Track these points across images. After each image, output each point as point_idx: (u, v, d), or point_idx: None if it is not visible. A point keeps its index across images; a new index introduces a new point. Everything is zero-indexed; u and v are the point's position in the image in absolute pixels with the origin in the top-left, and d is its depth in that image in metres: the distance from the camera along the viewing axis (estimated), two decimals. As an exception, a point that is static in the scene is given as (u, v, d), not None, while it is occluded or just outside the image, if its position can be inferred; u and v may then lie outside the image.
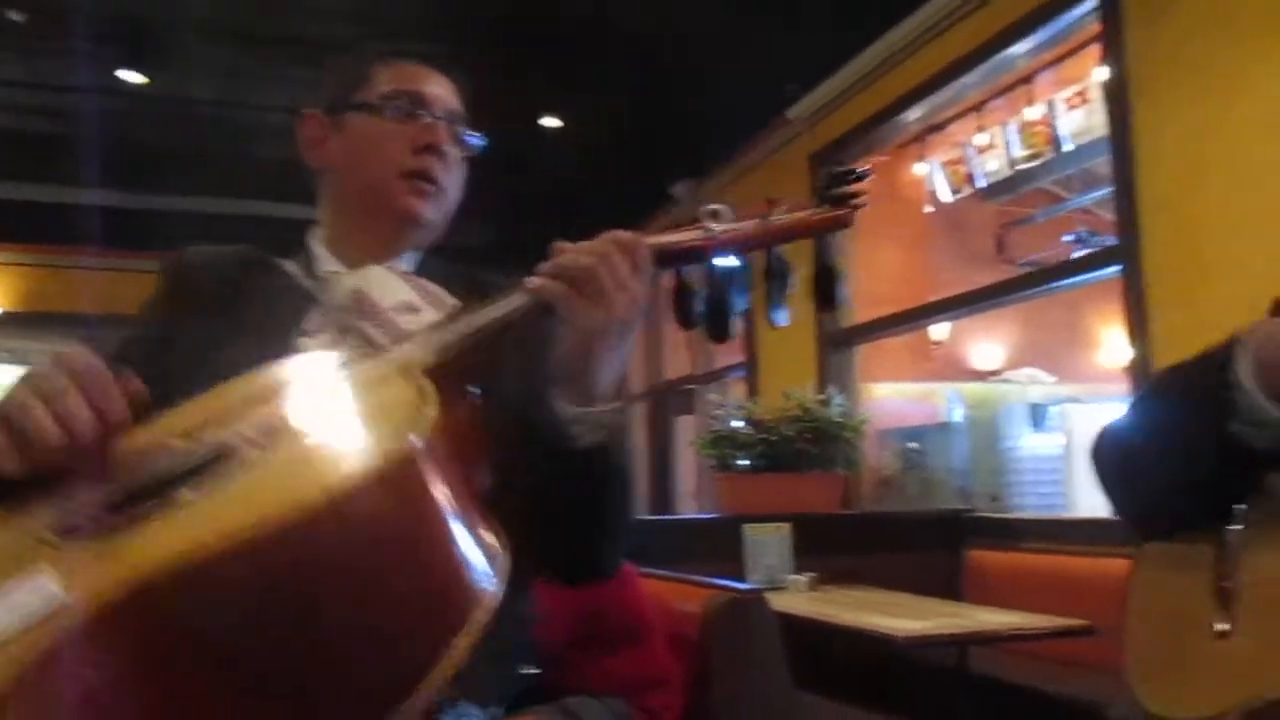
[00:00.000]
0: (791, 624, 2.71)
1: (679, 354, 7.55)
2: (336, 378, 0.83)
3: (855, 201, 0.94)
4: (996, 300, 4.66)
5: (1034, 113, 4.73)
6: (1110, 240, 3.94)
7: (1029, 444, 5.44)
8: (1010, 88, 4.77)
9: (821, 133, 5.24)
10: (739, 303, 0.93)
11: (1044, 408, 5.60)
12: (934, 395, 5.70)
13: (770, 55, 4.76)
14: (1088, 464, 1.06)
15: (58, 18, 4.38)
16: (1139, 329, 3.30)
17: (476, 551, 0.68)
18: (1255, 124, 2.96)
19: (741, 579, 3.47)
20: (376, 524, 0.62)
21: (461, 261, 1.22)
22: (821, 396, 4.33)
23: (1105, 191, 4.21)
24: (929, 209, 5.63)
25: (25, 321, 7.02)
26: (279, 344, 1.04)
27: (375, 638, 0.62)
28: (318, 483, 0.60)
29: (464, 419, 0.79)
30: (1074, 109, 4.52)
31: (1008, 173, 4.99)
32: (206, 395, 0.84)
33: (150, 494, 0.68)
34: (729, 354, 6.45)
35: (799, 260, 0.97)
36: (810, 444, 4.11)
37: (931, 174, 5.43)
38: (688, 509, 7.44)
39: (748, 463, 4.19)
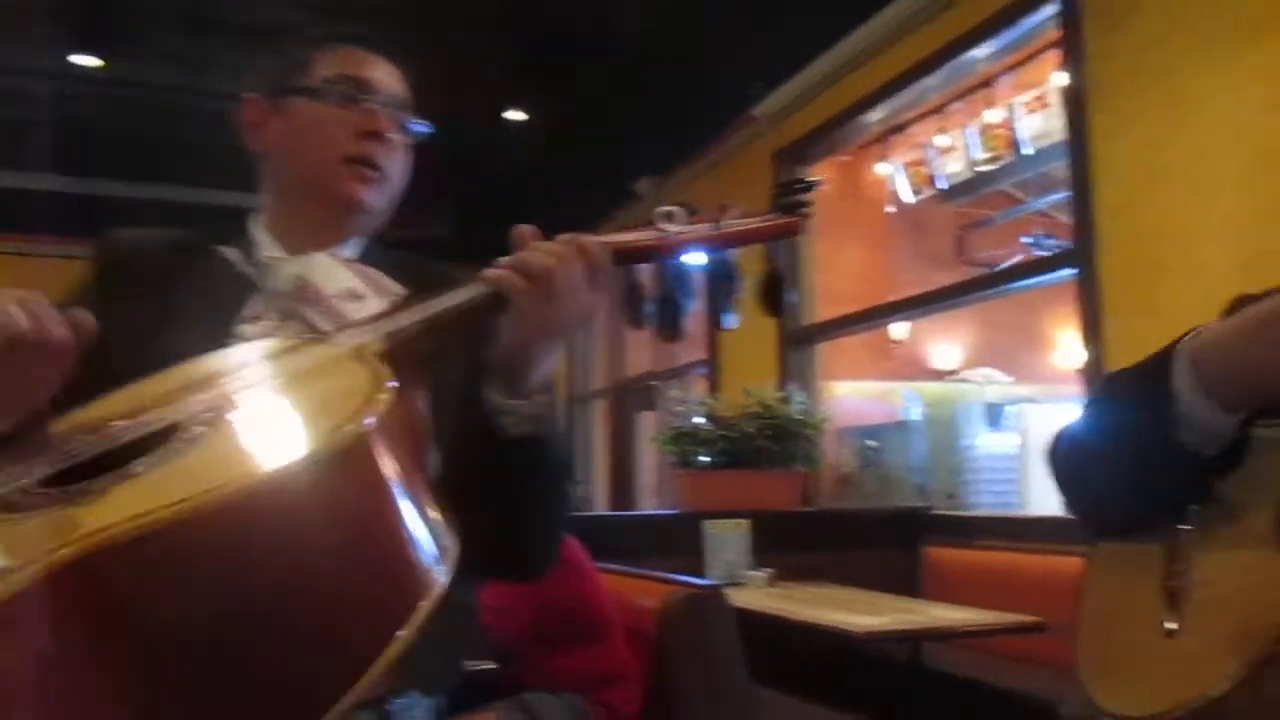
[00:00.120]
0: (750, 620, 2.72)
1: (641, 350, 7.56)
2: (286, 360, 0.82)
3: (805, 210, 0.96)
4: (955, 300, 4.72)
5: (994, 116, 4.78)
6: (1066, 244, 4.00)
7: (985, 443, 5.51)
8: (971, 91, 4.83)
9: (786, 131, 5.26)
10: (688, 303, 0.94)
11: (1000, 407, 5.67)
12: (893, 394, 5.75)
13: (735, 53, 4.77)
14: (1042, 463, 1.08)
15: (10, 0, 4.28)
16: (1093, 331, 3.36)
17: (427, 537, 0.68)
18: (1210, 131, 3.02)
19: (701, 575, 3.48)
20: (329, 502, 0.62)
21: (421, 252, 1.22)
22: (782, 394, 4.36)
23: (1063, 195, 4.28)
24: (890, 209, 5.68)
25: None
26: (219, 331, 1.03)
27: (323, 618, 0.61)
28: (270, 459, 0.60)
29: (414, 406, 0.79)
30: (1033, 113, 4.58)
31: (968, 175, 5.05)
32: (146, 381, 0.83)
33: (95, 469, 0.67)
34: (691, 351, 6.46)
35: (748, 265, 0.98)
36: (770, 441, 4.13)
37: (893, 174, 5.48)
38: (649, 505, 7.45)
39: (708, 459, 4.20)
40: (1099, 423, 1.03)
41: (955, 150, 5.06)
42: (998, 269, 5.16)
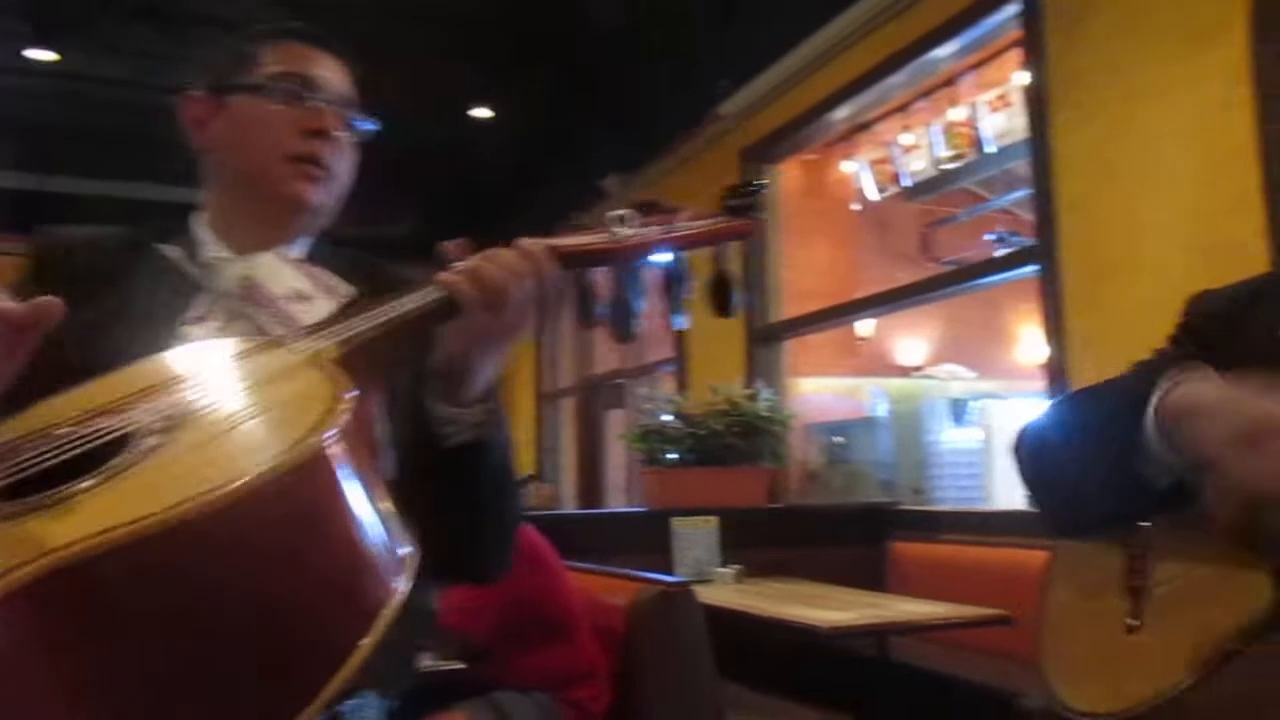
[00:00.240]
0: (718, 616, 2.74)
1: (609, 349, 7.55)
2: (240, 365, 0.80)
3: (754, 213, 0.97)
4: (920, 297, 4.76)
5: (957, 114, 4.83)
6: (1029, 241, 4.04)
7: (950, 438, 5.57)
8: (935, 89, 4.86)
9: (752, 129, 5.28)
10: (640, 305, 0.94)
11: (964, 403, 5.74)
12: (859, 390, 5.79)
13: (702, 51, 4.78)
14: (1006, 458, 1.09)
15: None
16: (1054, 327, 3.40)
17: (387, 546, 0.67)
18: (1166, 129, 3.07)
19: (670, 573, 3.49)
20: (291, 516, 0.61)
21: (380, 251, 1.20)
22: (749, 391, 4.37)
23: (1025, 193, 4.33)
24: (856, 207, 5.72)
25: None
26: (163, 332, 1.00)
27: (286, 631, 0.60)
28: (229, 474, 0.58)
29: (370, 413, 0.78)
30: (996, 112, 4.63)
31: (932, 173, 5.09)
32: (91, 385, 0.80)
33: (46, 480, 0.65)
34: (659, 349, 6.47)
35: (701, 266, 0.99)
36: (738, 438, 4.14)
37: (859, 172, 5.52)
38: (617, 503, 7.46)
39: (676, 457, 4.21)
40: (1069, 430, 1.04)
41: (919, 148, 5.10)
42: (961, 266, 5.21)
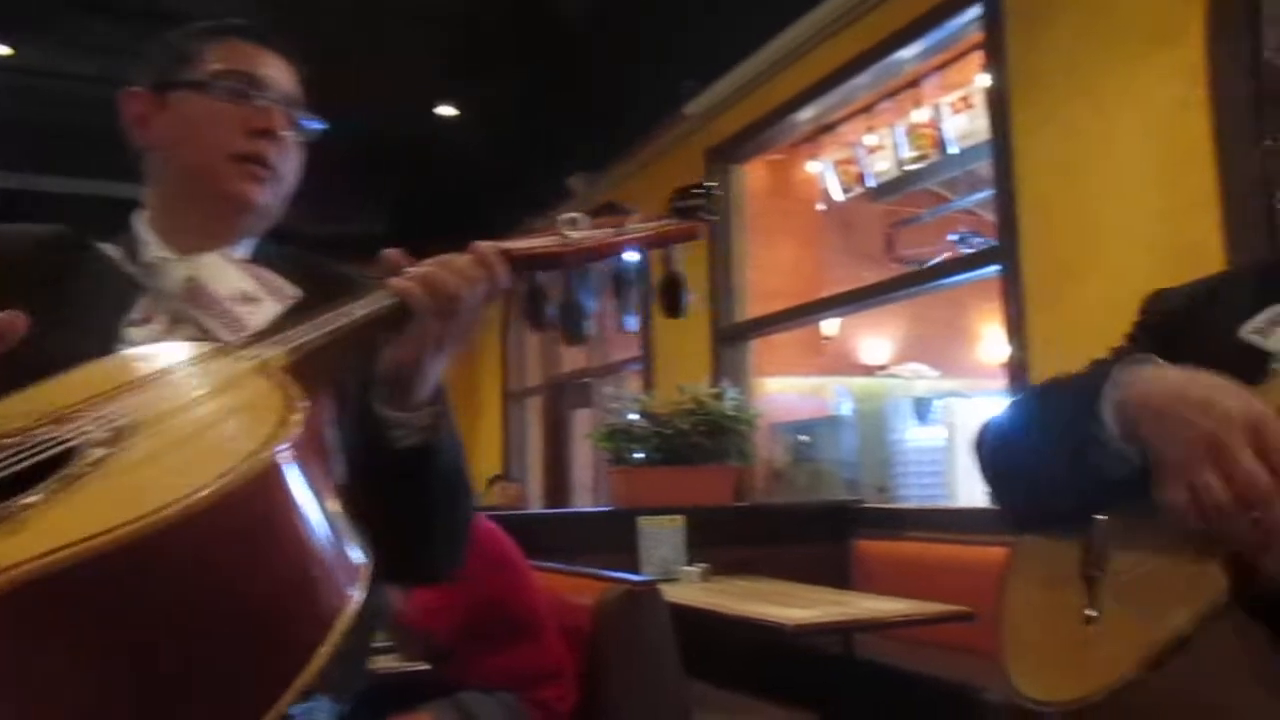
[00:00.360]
0: (684, 615, 2.74)
1: (576, 348, 7.54)
2: (185, 373, 0.77)
3: (703, 214, 0.97)
4: (884, 297, 4.80)
5: (921, 115, 4.87)
6: (991, 241, 4.09)
7: (914, 437, 5.61)
8: (898, 91, 4.90)
9: (717, 129, 5.30)
10: (590, 307, 0.95)
11: (928, 401, 5.78)
12: (824, 389, 5.82)
13: (667, 51, 4.79)
14: (969, 456, 1.10)
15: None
16: (1016, 327, 3.44)
17: (340, 555, 0.67)
18: (1128, 131, 3.11)
19: (636, 571, 3.49)
20: (244, 532, 0.60)
21: (345, 250, 1.19)
22: (715, 390, 4.39)
23: (987, 194, 4.37)
24: (821, 207, 5.75)
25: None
26: (104, 335, 0.98)
27: (241, 645, 0.60)
28: (181, 490, 0.57)
29: (320, 420, 0.77)
30: (959, 113, 4.67)
31: (896, 173, 5.13)
32: (31, 391, 0.77)
33: None
34: (625, 348, 6.47)
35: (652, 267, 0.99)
36: (704, 437, 4.15)
37: (824, 173, 5.55)
38: (584, 502, 7.45)
39: (643, 456, 4.21)
40: (1027, 425, 1.06)
41: (883, 149, 5.14)
42: (925, 266, 5.26)
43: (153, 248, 1.09)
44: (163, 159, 1.13)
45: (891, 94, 4.93)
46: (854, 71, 4.39)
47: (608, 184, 6.14)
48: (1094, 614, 0.86)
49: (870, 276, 5.15)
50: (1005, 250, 3.53)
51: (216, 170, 1.09)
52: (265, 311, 1.01)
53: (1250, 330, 0.95)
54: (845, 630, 2.74)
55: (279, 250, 1.15)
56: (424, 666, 2.40)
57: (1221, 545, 0.78)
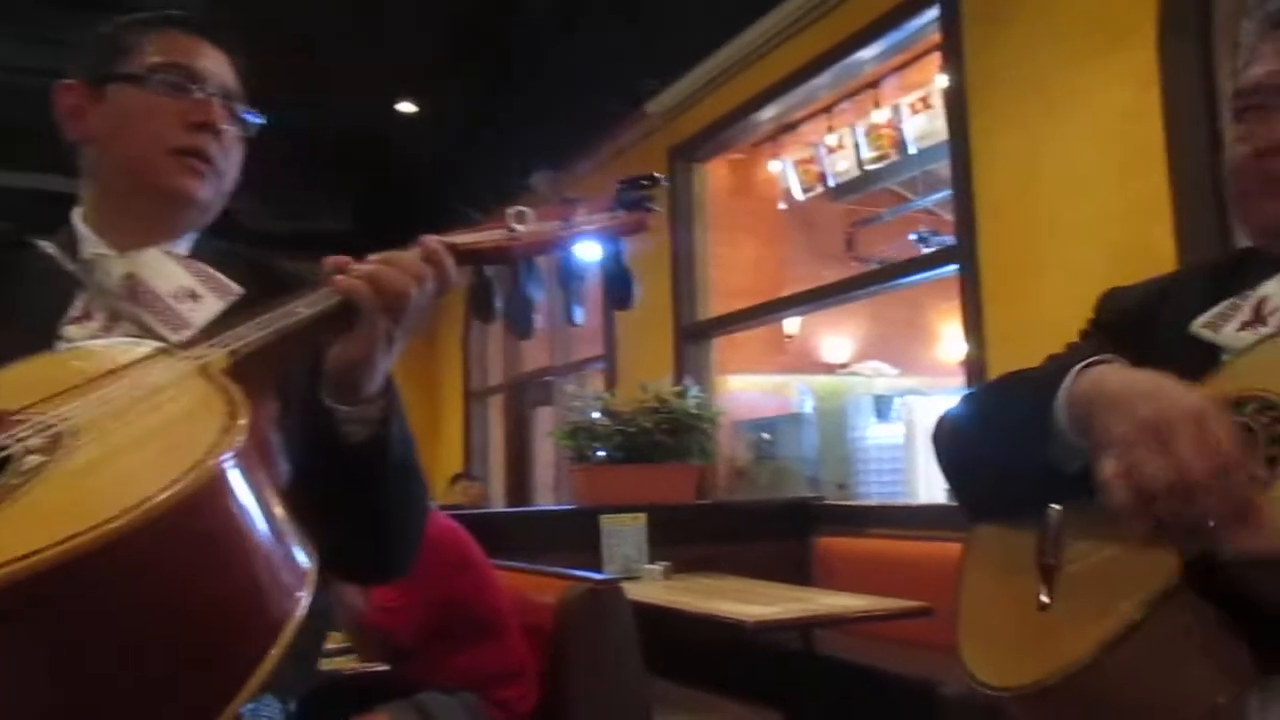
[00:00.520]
0: (646, 613, 2.75)
1: (538, 346, 7.52)
2: (125, 376, 0.75)
3: (650, 206, 0.97)
4: (844, 296, 4.84)
5: (880, 116, 4.91)
6: (950, 240, 4.13)
7: (874, 434, 5.67)
8: (858, 91, 4.94)
9: (680, 128, 5.31)
10: (537, 299, 0.94)
11: (888, 399, 5.84)
12: (786, 387, 5.86)
13: (628, 50, 4.78)
14: (928, 453, 1.12)
15: None
16: (974, 325, 3.48)
17: (286, 560, 0.66)
18: (1083, 132, 3.16)
19: (599, 570, 3.49)
20: (190, 545, 0.59)
21: (313, 246, 1.18)
22: (678, 388, 4.40)
23: (946, 194, 4.42)
24: (782, 206, 5.78)
25: None
26: (43, 334, 0.96)
27: (188, 653, 0.59)
28: (124, 502, 0.56)
29: (264, 422, 0.76)
30: (917, 114, 4.72)
31: (856, 173, 5.17)
32: None
33: None
34: (588, 346, 6.46)
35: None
36: (667, 435, 4.16)
37: (785, 172, 5.58)
38: (546, 501, 7.43)
39: (605, 454, 4.21)
40: (984, 417, 1.07)
41: (844, 149, 5.18)
42: (885, 265, 5.31)
43: (91, 244, 1.07)
44: (99, 153, 1.10)
45: (851, 94, 4.97)
46: (814, 72, 4.42)
47: (570, 182, 6.12)
48: (1048, 601, 0.87)
49: (831, 275, 5.19)
50: (963, 249, 3.58)
51: (155, 165, 1.07)
52: (207, 308, 0.99)
53: (1201, 324, 0.97)
54: (805, 626, 2.76)
55: (221, 246, 1.13)
56: (383, 667, 2.38)
57: (1141, 527, 0.80)
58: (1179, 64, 2.83)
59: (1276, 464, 0.79)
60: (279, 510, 0.68)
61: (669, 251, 5.27)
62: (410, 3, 4.48)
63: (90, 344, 0.90)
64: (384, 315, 0.85)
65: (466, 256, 0.91)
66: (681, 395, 4.31)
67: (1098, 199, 3.09)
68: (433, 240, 0.89)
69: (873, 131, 4.98)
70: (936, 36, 3.82)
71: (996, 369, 3.35)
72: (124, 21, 1.12)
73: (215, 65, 1.11)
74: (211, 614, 0.60)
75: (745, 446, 5.42)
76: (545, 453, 7.59)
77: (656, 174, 0.99)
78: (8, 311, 0.99)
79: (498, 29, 4.69)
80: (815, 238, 6.24)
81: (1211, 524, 0.76)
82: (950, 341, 6.27)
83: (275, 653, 0.62)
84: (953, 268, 3.67)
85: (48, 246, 1.07)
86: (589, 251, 0.97)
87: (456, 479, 7.12)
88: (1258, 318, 0.94)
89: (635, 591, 2.90)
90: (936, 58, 4.01)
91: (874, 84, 4.83)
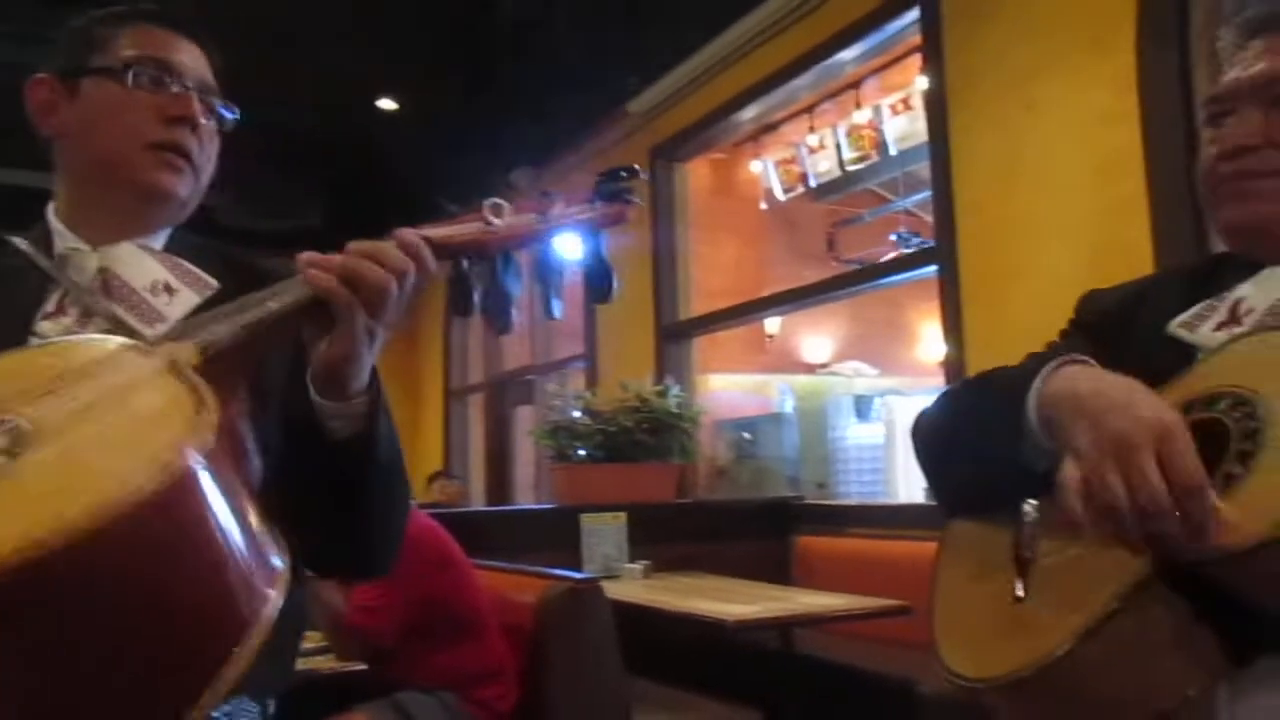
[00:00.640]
0: (626, 612, 2.75)
1: (519, 345, 7.50)
2: (93, 372, 0.74)
3: (629, 198, 0.96)
4: (825, 296, 4.85)
5: (861, 117, 4.93)
6: (930, 241, 4.15)
7: (854, 434, 5.68)
8: (839, 92, 4.96)
9: (661, 127, 5.31)
10: (516, 292, 0.94)
11: (868, 399, 5.86)
12: (767, 387, 5.87)
13: (610, 49, 4.78)
14: (907, 453, 1.12)
15: None
16: (953, 326, 3.50)
17: (257, 558, 0.66)
18: (1062, 135, 3.18)
19: (579, 569, 3.49)
20: (158, 543, 0.59)
21: (288, 245, 1.17)
22: (659, 388, 4.40)
23: (926, 195, 4.44)
24: (764, 206, 5.79)
25: None
26: (14, 330, 0.96)
27: (157, 650, 0.59)
28: (89, 500, 0.56)
29: (234, 418, 0.75)
30: (898, 115, 4.73)
31: (838, 173, 5.18)
32: None
33: None
34: (569, 345, 6.46)
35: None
36: (647, 434, 4.16)
37: (766, 172, 5.59)
38: (526, 500, 7.42)
39: (585, 453, 4.21)
40: (960, 414, 1.08)
41: (825, 149, 5.19)
42: (865, 265, 5.32)
43: (64, 239, 1.06)
44: (73, 148, 1.09)
45: (833, 95, 4.99)
46: (796, 72, 4.43)
47: (551, 180, 6.11)
48: (1023, 594, 0.88)
49: (812, 275, 5.21)
50: (943, 251, 3.59)
51: (131, 159, 1.06)
52: (183, 302, 0.98)
53: (1178, 325, 0.99)
54: (784, 625, 2.76)
55: (197, 241, 1.12)
56: (360, 667, 2.37)
57: (1096, 534, 0.81)
58: (1157, 67, 2.86)
59: (1248, 459, 0.80)
60: (250, 508, 0.68)
61: (650, 251, 5.28)
62: (392, 0, 4.46)
63: (61, 340, 0.89)
64: (360, 309, 0.84)
65: (442, 249, 0.90)
66: (662, 394, 4.32)
67: (1076, 201, 3.12)
68: (408, 233, 0.89)
69: (854, 132, 4.99)
70: (917, 38, 3.83)
71: (975, 369, 3.34)
72: (97, 15, 1.11)
73: (191, 60, 1.10)
74: (178, 612, 0.60)
75: (726, 446, 5.43)
76: (525, 451, 7.57)
77: (636, 166, 0.99)
78: None
79: (480, 27, 4.67)
80: (796, 238, 6.26)
81: (1167, 539, 0.77)
82: (930, 342, 6.30)
83: (245, 652, 0.61)
84: (932, 268, 3.69)
85: (20, 243, 1.06)
86: (568, 246, 0.97)
87: (435, 477, 7.10)
88: (1233, 318, 0.96)
89: (615, 590, 2.90)
90: (917, 59, 4.03)
91: (855, 85, 4.85)
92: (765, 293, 5.25)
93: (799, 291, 4.87)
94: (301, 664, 2.16)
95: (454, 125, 5.75)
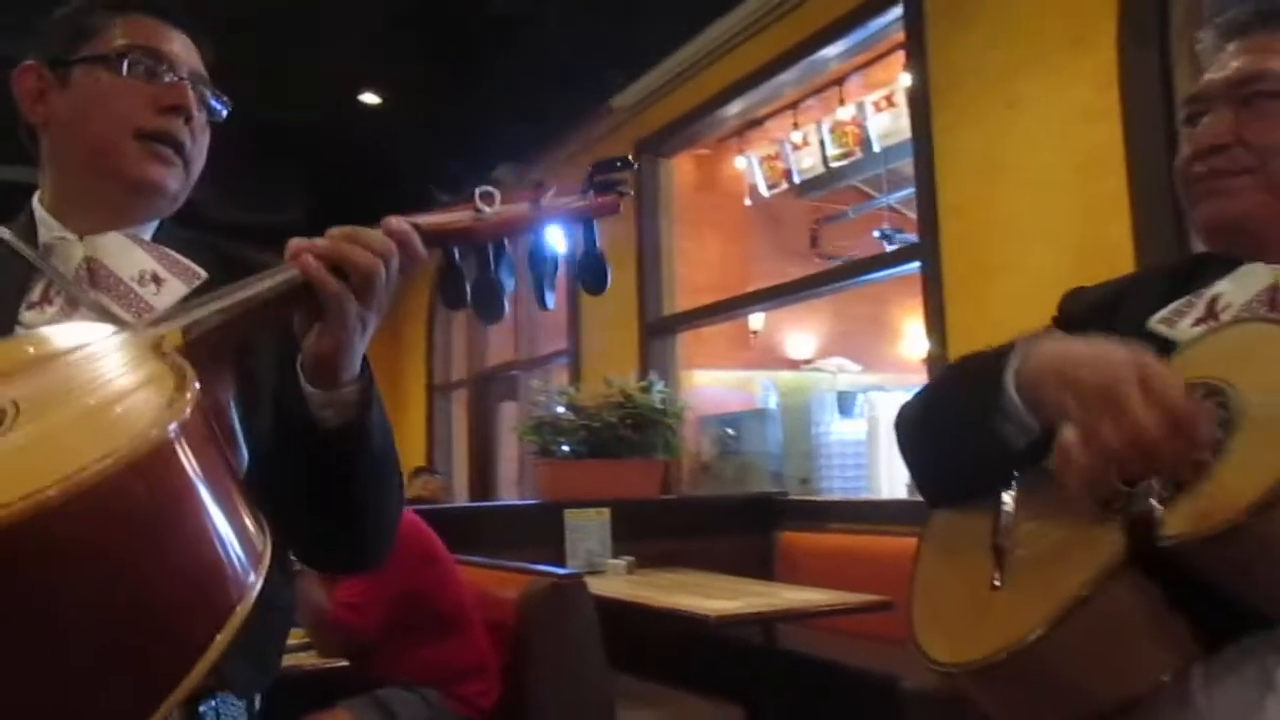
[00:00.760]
0: (609, 607, 2.75)
1: (502, 341, 7.49)
2: (77, 356, 0.75)
3: (621, 189, 0.95)
4: (809, 292, 4.86)
5: (845, 113, 4.93)
6: (913, 238, 4.17)
7: (837, 430, 5.70)
8: (823, 88, 4.97)
9: (645, 123, 5.31)
10: (507, 284, 0.93)
11: (851, 395, 5.88)
12: (750, 383, 5.88)
13: (594, 44, 4.77)
14: (890, 448, 1.13)
15: None
16: (936, 322, 3.52)
17: (237, 542, 0.65)
18: (1044, 133, 3.20)
19: (563, 565, 3.49)
20: (129, 519, 0.58)
21: (270, 240, 1.16)
22: (643, 383, 4.40)
23: (910, 191, 4.45)
24: (748, 202, 5.80)
25: None
26: (0, 320, 0.95)
27: (133, 632, 0.58)
28: (63, 471, 0.55)
29: (219, 402, 0.75)
30: (881, 112, 4.75)
31: (821, 170, 5.19)
32: None
33: None
34: (553, 340, 6.45)
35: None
36: (631, 430, 4.16)
37: (750, 168, 5.59)
38: (510, 496, 7.41)
39: (569, 449, 4.21)
40: (939, 400, 1.09)
41: (809, 146, 5.20)
42: (849, 262, 5.34)
43: (50, 228, 1.05)
44: (62, 136, 1.08)
45: (816, 91, 4.99)
46: (779, 68, 4.44)
47: (535, 175, 6.10)
48: (999, 583, 0.90)
49: (796, 272, 5.22)
50: (926, 247, 3.61)
51: (121, 149, 1.04)
52: (171, 293, 0.97)
53: (1157, 321, 1.01)
54: (767, 621, 2.77)
55: (188, 234, 1.11)
56: (343, 663, 2.37)
57: (1101, 493, 0.82)
58: (1138, 66, 2.88)
59: (1220, 447, 0.82)
60: (231, 489, 0.67)
61: (634, 246, 5.27)
62: (374, -8, 4.44)
63: (45, 329, 0.89)
64: (351, 296, 0.84)
65: (432, 237, 0.90)
66: (646, 390, 4.32)
67: (1058, 199, 3.13)
68: (397, 220, 0.88)
69: (837, 129, 5.00)
70: (900, 35, 3.84)
71: (958, 366, 3.38)
72: (86, 5, 1.09)
73: (184, 50, 1.09)
74: (152, 590, 0.59)
75: (709, 441, 5.44)
76: (509, 447, 7.56)
77: (629, 157, 0.99)
78: None
79: (463, 20, 4.65)
80: (780, 234, 6.27)
81: (1174, 478, 0.78)
82: (913, 338, 6.33)
83: (223, 639, 0.61)
84: (915, 265, 3.70)
85: (3, 232, 1.05)
86: (558, 237, 0.96)
87: (417, 473, 7.08)
88: (1210, 314, 0.98)
89: (598, 586, 2.90)
90: (900, 56, 4.04)
91: (839, 82, 4.86)
92: (749, 289, 5.26)
93: (783, 288, 4.88)
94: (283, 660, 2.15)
95: (438, 120, 5.72)
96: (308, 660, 2.33)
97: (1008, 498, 0.93)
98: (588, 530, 3.69)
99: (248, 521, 0.67)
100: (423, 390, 8.46)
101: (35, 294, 1.00)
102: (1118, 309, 1.08)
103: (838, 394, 5.89)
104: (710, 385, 5.61)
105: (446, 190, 5.52)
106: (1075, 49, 3.07)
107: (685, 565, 3.72)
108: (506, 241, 0.93)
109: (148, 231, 1.09)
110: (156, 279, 0.99)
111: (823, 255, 6.36)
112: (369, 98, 5.61)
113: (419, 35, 4.82)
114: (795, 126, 5.22)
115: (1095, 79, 2.99)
